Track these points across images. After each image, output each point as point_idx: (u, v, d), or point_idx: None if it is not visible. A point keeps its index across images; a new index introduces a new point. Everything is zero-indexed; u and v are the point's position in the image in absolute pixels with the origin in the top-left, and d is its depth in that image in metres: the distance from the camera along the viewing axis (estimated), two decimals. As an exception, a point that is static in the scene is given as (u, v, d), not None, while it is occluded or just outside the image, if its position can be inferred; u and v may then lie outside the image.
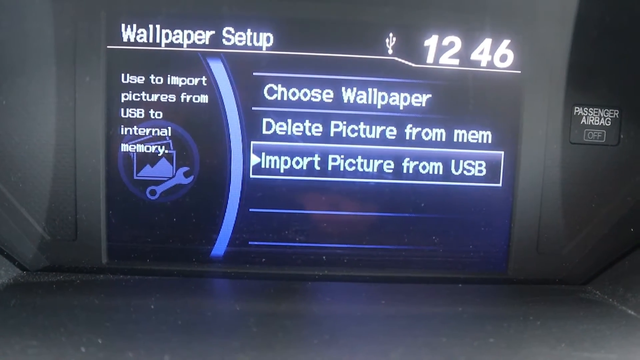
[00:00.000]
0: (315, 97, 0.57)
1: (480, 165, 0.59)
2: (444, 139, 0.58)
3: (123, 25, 0.55)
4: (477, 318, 0.48)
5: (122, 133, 0.56)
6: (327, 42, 0.56)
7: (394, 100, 0.57)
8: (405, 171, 0.58)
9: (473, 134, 0.58)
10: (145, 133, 0.57)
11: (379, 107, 0.57)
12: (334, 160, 0.58)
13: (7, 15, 0.53)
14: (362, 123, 0.57)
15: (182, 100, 0.56)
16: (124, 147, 0.57)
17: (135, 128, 0.56)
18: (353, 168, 0.58)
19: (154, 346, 0.39)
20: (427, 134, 0.58)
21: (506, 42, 0.57)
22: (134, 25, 0.55)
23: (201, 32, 0.56)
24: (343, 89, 0.57)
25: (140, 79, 0.56)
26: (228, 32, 0.56)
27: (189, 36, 0.56)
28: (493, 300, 0.56)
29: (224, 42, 0.56)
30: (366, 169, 0.58)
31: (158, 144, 0.57)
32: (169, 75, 0.56)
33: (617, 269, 0.59)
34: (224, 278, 0.58)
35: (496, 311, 0.51)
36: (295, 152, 0.57)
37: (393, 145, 0.58)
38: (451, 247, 0.60)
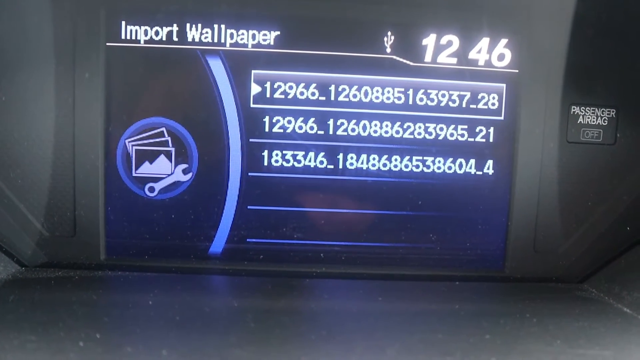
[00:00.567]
0: (313, 95, 0.57)
1: (477, 163, 0.59)
2: (441, 137, 0.58)
3: (122, 23, 0.55)
4: (473, 315, 0.48)
5: (121, 130, 0.56)
6: (326, 40, 0.56)
7: (391, 99, 0.57)
8: (403, 169, 0.58)
9: (471, 133, 0.58)
10: (144, 130, 0.57)
11: (376, 105, 0.57)
12: (332, 158, 0.58)
13: (7, 11, 0.53)
14: (359, 121, 0.58)
15: (181, 98, 0.57)
16: (123, 144, 0.57)
17: (134, 125, 0.57)
18: (351, 166, 0.58)
19: (151, 341, 0.39)
20: (424, 132, 0.58)
21: (504, 41, 0.57)
22: (133, 23, 0.55)
23: (200, 29, 0.56)
24: (341, 87, 0.57)
25: (139, 76, 0.56)
26: (227, 30, 0.56)
27: (188, 34, 0.56)
28: (490, 298, 0.56)
29: (223, 40, 0.56)
30: (364, 167, 0.58)
31: (157, 141, 0.57)
32: (168, 73, 0.56)
33: (613, 267, 0.59)
34: (222, 275, 0.58)
35: (493, 308, 0.51)
36: (294, 149, 0.58)
37: (391, 143, 0.58)
38: (448, 244, 0.60)
